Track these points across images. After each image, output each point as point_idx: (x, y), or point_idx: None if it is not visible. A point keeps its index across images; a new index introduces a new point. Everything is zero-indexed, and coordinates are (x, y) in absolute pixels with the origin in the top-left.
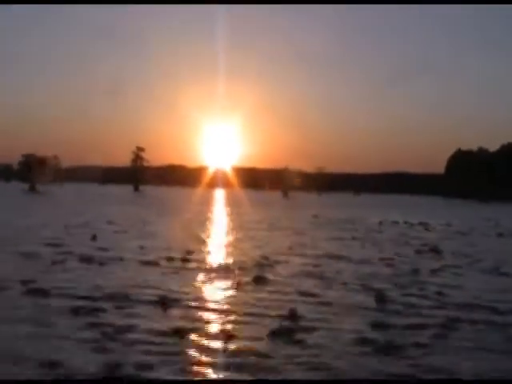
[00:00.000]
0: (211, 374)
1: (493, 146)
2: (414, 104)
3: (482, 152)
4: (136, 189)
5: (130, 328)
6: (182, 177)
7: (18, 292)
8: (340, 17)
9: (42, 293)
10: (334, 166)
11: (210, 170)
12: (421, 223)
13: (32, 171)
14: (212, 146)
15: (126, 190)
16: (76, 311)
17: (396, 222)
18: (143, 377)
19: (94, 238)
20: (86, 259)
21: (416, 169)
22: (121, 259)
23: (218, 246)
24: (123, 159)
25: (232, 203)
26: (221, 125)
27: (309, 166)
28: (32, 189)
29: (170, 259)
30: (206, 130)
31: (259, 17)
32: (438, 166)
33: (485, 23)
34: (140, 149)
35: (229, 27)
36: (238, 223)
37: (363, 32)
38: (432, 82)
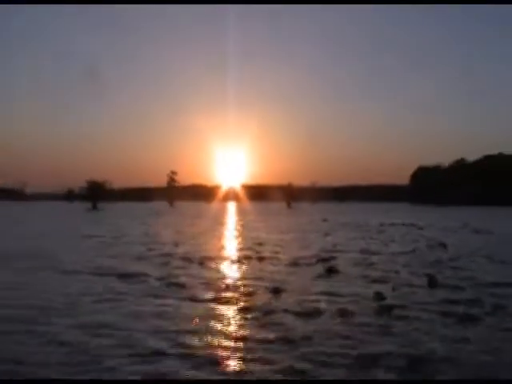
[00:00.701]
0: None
1: (447, 160)
2: (379, 123)
3: (438, 167)
4: (171, 204)
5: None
6: (202, 194)
7: (161, 285)
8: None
9: (181, 285)
10: (323, 180)
11: (224, 188)
12: (412, 224)
13: (94, 193)
14: (225, 168)
15: (163, 205)
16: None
17: (393, 224)
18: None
19: (176, 244)
20: (187, 259)
21: (385, 180)
22: (213, 259)
23: (272, 246)
24: (155, 180)
25: (251, 213)
26: (232, 150)
27: (304, 181)
28: (94, 207)
29: (247, 258)
30: (219, 155)
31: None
32: (403, 178)
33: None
34: (174, 172)
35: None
36: (269, 228)
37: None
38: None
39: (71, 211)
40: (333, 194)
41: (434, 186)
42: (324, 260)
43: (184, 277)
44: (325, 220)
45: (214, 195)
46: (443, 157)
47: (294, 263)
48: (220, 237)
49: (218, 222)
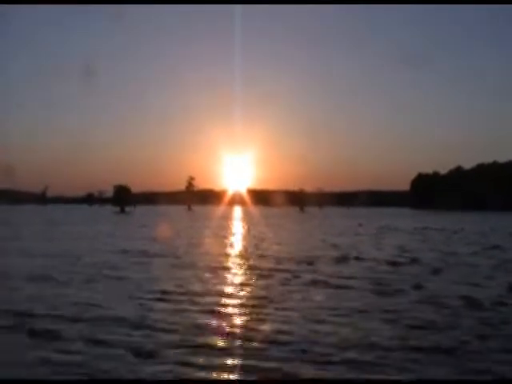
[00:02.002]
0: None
1: (445, 168)
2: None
3: (436, 174)
4: (189, 208)
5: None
6: (211, 198)
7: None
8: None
9: (324, 283)
10: (326, 187)
11: (230, 192)
12: (443, 228)
13: (121, 197)
14: (231, 173)
15: (181, 209)
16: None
17: (425, 228)
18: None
19: (257, 246)
20: (291, 259)
21: (386, 187)
22: (317, 258)
23: (347, 248)
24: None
25: (279, 217)
26: (238, 156)
27: (307, 187)
28: (122, 210)
29: (345, 257)
30: (227, 160)
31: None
32: (403, 185)
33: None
34: (192, 178)
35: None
36: (320, 232)
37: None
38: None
39: (103, 214)
40: (337, 199)
41: (433, 192)
42: (414, 260)
43: (316, 274)
44: (360, 224)
45: (222, 199)
46: (441, 165)
47: (391, 263)
48: (292, 238)
49: (264, 224)
